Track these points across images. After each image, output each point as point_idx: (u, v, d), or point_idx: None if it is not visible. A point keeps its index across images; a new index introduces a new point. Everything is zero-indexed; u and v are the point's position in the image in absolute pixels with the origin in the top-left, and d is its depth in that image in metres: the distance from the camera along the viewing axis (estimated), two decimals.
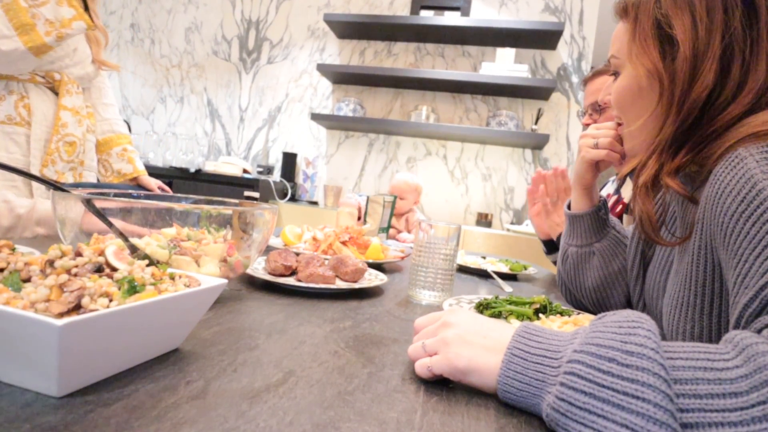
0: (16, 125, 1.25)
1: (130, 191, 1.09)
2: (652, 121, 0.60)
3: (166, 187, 1.55)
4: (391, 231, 2.06)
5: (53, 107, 1.32)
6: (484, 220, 2.78)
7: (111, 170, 1.51)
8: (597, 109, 1.33)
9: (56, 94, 1.33)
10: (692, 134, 0.56)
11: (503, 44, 2.81)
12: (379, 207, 1.52)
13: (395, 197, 1.61)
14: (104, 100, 1.51)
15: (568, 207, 0.93)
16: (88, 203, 0.56)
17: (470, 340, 0.44)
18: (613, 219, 0.90)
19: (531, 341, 0.41)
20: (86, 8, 1.32)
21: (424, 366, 0.45)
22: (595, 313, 0.88)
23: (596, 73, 1.36)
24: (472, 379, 0.43)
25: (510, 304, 0.72)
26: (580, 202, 0.89)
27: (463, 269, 1.24)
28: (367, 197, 1.52)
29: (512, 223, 2.85)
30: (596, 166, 0.87)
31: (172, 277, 0.44)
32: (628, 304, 0.85)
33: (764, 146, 0.47)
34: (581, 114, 1.40)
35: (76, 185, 1.29)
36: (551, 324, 0.66)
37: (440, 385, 0.44)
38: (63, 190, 0.57)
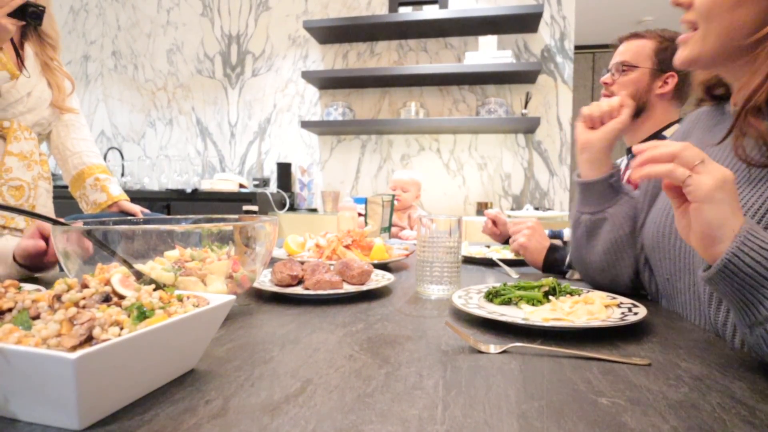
0: None
1: (129, 218, 1.09)
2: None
3: (149, 212, 1.55)
4: (394, 229, 2.06)
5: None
6: (483, 209, 2.78)
7: (89, 203, 1.50)
8: (622, 70, 1.33)
9: (4, 139, 1.32)
10: None
11: (485, 32, 2.81)
12: (378, 207, 1.52)
13: (393, 196, 1.61)
14: (73, 135, 1.49)
15: (578, 176, 0.93)
16: (89, 234, 0.56)
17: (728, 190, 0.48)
18: (626, 186, 0.90)
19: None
20: (18, 56, 1.31)
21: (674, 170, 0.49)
22: (601, 286, 0.88)
23: (633, 36, 1.36)
24: (710, 214, 0.48)
25: (519, 289, 0.72)
26: (588, 170, 0.88)
27: (469, 260, 1.24)
28: (366, 199, 1.52)
29: (512, 209, 2.85)
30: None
31: (180, 299, 0.44)
32: (635, 273, 0.86)
33: None
34: (606, 72, 1.41)
35: (75, 218, 1.29)
36: (562, 305, 0.66)
37: (458, 377, 0.44)
38: (63, 224, 0.57)
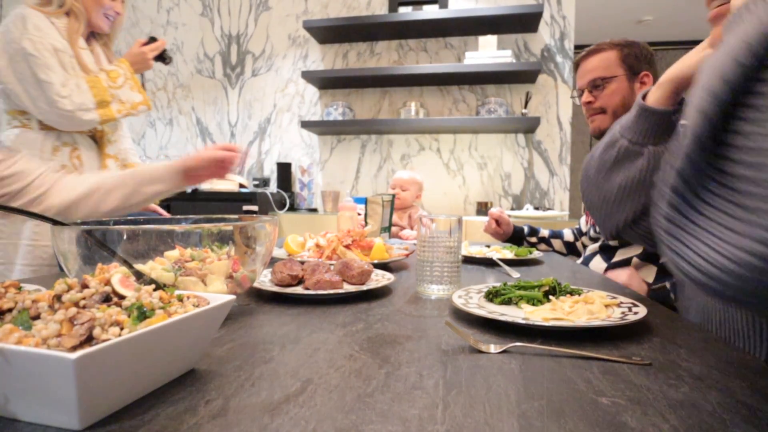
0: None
1: (129, 217, 1.09)
2: None
3: (161, 210, 1.64)
4: (394, 229, 2.06)
5: (97, 155, 1.45)
6: (484, 208, 2.78)
7: None
8: (598, 85, 1.34)
9: (96, 142, 1.45)
10: None
11: (484, 32, 2.81)
12: (378, 207, 1.52)
13: (393, 195, 1.60)
14: (119, 131, 1.57)
15: (643, 96, 0.82)
16: (89, 234, 0.56)
17: None
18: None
19: None
20: (142, 84, 1.50)
21: None
22: (594, 214, 0.84)
23: (590, 52, 1.37)
24: None
25: (519, 288, 0.72)
26: (661, 95, 0.77)
27: (469, 260, 1.24)
28: (366, 199, 1.51)
29: (512, 209, 2.85)
30: None
31: (180, 299, 0.44)
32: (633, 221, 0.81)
33: None
34: (578, 95, 1.41)
35: None
36: (562, 305, 0.66)
37: (458, 377, 0.44)
38: (61, 224, 0.57)
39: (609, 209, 0.81)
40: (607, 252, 1.34)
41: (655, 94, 0.79)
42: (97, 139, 1.45)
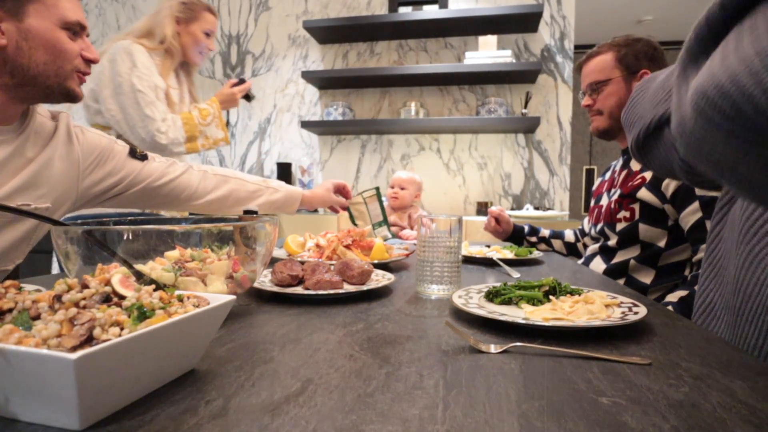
0: None
1: (128, 217, 1.09)
2: None
3: None
4: (394, 229, 2.06)
5: None
6: (484, 208, 2.78)
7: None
8: (595, 89, 1.38)
9: None
10: None
11: (484, 32, 2.81)
12: (362, 206, 1.49)
13: (377, 188, 1.54)
14: None
15: None
16: (89, 234, 0.56)
17: None
18: None
19: None
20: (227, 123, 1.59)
21: None
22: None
23: (590, 56, 1.41)
24: None
25: (519, 288, 0.72)
26: None
27: (469, 260, 1.24)
28: (348, 203, 1.48)
29: (512, 209, 2.85)
30: None
31: (180, 299, 0.44)
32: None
33: None
34: (582, 95, 1.46)
35: (76, 218, 1.30)
36: (562, 305, 0.66)
37: (458, 377, 0.44)
38: (61, 224, 0.57)
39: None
40: (606, 253, 1.34)
41: None
42: None
